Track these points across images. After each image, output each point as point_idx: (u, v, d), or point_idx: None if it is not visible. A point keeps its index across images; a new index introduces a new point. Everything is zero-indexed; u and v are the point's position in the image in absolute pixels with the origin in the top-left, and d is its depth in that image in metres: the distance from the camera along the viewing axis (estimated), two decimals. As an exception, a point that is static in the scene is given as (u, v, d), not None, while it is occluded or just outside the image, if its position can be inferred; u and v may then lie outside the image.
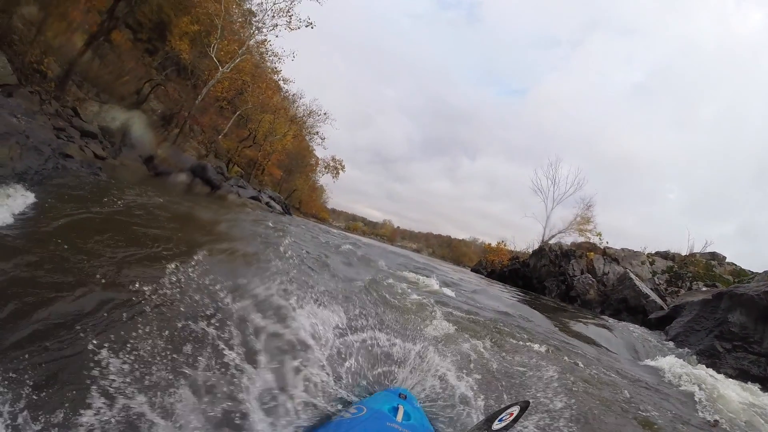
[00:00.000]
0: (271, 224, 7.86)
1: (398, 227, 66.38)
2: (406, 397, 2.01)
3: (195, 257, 2.36)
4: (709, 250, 19.57)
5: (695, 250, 19.67)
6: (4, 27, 7.29)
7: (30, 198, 4.15)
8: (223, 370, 1.80)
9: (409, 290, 5.44)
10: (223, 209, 10.80)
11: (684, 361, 6.08)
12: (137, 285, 2.23)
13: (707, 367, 6.30)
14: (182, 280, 2.24)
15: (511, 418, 1.70)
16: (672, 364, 5.60)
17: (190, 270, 2.28)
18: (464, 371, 2.65)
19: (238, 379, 1.78)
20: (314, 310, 2.51)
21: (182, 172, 14.85)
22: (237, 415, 1.63)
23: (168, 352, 1.78)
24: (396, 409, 1.83)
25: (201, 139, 19.66)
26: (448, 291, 7.14)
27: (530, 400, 1.89)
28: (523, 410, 1.74)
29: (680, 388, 4.74)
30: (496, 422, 1.72)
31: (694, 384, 4.77)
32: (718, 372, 6.13)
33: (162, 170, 13.76)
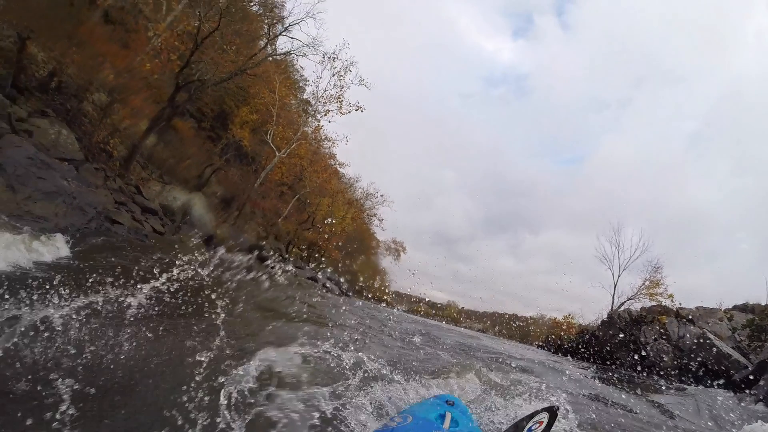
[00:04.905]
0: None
1: (463, 308, 64.40)
2: (453, 404, 1.93)
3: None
4: (791, 293, 17.18)
5: (776, 297, 17.40)
6: (75, 110, 8.28)
7: (64, 250, 4.74)
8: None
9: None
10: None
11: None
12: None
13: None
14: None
15: (542, 427, 1.60)
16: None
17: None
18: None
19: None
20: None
21: (240, 252, 15.50)
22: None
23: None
24: (443, 417, 1.75)
25: (261, 221, 20.54)
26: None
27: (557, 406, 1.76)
28: (552, 417, 1.64)
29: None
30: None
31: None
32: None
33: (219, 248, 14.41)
